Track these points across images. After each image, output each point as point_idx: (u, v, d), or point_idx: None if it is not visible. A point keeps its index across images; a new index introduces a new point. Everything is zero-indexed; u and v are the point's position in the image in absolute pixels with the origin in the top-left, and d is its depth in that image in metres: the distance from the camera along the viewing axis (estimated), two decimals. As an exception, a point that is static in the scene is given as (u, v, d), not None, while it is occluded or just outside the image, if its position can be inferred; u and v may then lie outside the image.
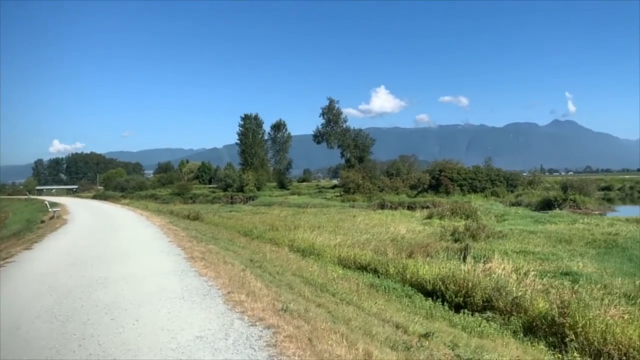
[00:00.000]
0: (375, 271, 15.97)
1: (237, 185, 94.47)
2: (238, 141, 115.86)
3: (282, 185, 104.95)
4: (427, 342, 6.90)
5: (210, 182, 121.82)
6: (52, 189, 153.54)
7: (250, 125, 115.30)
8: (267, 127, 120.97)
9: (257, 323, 6.09)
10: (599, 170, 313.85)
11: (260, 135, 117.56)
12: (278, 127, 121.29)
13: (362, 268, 16.70)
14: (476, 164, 79.02)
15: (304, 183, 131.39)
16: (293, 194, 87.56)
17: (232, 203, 74.95)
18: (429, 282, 13.27)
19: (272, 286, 9.25)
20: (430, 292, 12.96)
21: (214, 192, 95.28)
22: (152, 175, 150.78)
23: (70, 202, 55.00)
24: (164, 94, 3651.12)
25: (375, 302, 10.77)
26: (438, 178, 70.23)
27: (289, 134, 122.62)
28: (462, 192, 67.39)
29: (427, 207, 48.59)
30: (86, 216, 30.77)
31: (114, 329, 6.05)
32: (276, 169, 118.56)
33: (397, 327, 8.19)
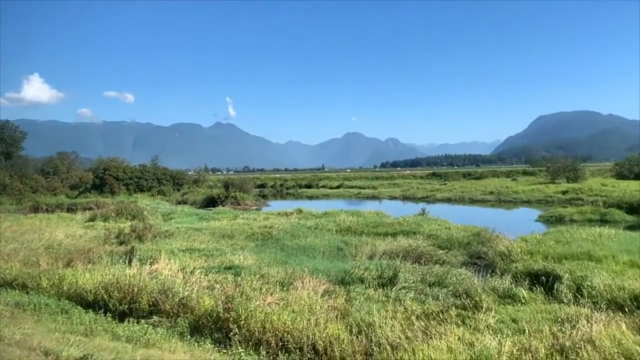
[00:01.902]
0: (24, 286, 13.55)
1: None
2: None
3: None
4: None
5: None
6: None
7: None
8: None
9: None
10: (255, 170, 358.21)
11: None
12: None
13: (7, 285, 13.97)
14: (143, 163, 78.70)
15: None
16: None
17: None
18: (90, 292, 11.96)
19: None
20: (92, 303, 11.71)
21: None
22: None
23: None
24: None
25: (20, 327, 8.93)
26: (102, 177, 67.22)
27: None
28: (129, 192, 66.39)
29: (91, 209, 45.16)
30: None
31: None
32: None
33: (47, 354, 6.89)
